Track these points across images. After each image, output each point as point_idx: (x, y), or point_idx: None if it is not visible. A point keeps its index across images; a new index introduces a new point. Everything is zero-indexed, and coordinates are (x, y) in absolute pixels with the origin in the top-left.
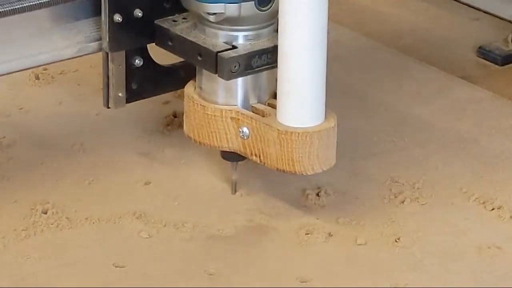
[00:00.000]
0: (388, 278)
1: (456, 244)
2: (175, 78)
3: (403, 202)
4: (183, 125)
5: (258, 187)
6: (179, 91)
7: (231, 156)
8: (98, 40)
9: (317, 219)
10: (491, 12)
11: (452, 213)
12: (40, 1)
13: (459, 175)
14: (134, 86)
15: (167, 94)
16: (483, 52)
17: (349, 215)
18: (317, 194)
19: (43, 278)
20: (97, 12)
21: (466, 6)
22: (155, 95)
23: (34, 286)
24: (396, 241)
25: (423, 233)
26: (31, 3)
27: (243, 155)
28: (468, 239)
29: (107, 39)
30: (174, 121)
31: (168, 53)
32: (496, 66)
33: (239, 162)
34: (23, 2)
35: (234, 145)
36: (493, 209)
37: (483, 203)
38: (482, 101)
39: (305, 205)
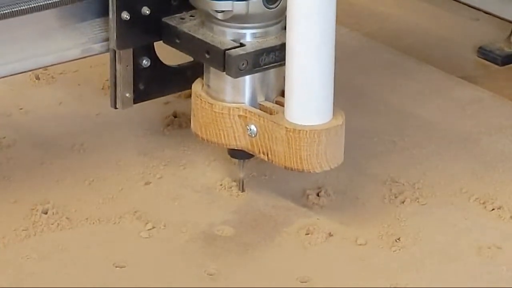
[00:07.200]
0: (388, 278)
1: (456, 244)
2: (182, 79)
3: (403, 202)
4: (183, 125)
5: (258, 187)
6: None
7: (238, 154)
8: (102, 41)
9: (317, 219)
10: (491, 12)
11: (452, 213)
12: (46, 2)
13: (459, 175)
14: (141, 87)
15: None
16: (483, 52)
17: (349, 215)
18: (318, 194)
19: (43, 278)
20: (102, 13)
21: (466, 6)
22: (163, 95)
23: (34, 286)
24: (396, 241)
25: (423, 233)
26: (38, 4)
27: (251, 153)
28: (468, 239)
29: (115, 37)
30: (174, 121)
31: (176, 53)
32: (496, 66)
33: (246, 160)
34: (30, 3)
35: (241, 143)
36: (493, 209)
37: (483, 203)
38: (482, 101)
39: (306, 205)
